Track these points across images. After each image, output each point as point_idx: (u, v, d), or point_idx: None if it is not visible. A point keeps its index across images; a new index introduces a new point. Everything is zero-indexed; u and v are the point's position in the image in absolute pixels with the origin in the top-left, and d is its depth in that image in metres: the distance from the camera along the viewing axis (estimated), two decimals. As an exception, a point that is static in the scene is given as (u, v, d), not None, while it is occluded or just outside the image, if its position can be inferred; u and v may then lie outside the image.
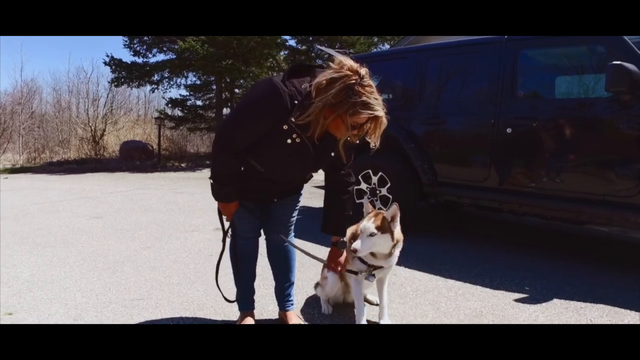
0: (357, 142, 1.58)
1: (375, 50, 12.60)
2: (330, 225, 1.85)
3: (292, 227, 1.93)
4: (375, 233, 1.76)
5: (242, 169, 1.64)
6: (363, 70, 1.43)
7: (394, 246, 1.84)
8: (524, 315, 2.15)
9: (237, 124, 1.55)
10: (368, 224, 1.78)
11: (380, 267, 1.90)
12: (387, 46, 12.78)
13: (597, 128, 2.81)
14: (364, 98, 1.40)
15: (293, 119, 1.47)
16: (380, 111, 1.44)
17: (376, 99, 1.43)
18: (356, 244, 1.76)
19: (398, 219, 1.82)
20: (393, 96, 3.98)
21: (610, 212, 2.71)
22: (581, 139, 2.87)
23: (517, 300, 2.32)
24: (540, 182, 3.01)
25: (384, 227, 1.78)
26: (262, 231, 1.93)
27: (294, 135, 1.52)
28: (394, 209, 1.80)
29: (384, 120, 1.47)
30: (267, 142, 1.55)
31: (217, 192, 1.68)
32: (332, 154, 1.63)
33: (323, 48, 5.28)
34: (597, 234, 3.80)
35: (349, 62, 1.43)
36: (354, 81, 1.39)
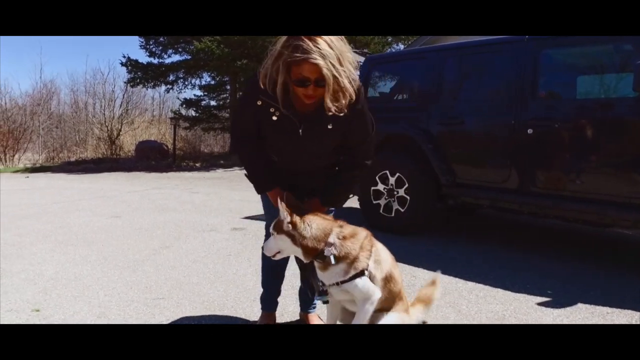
0: (333, 110, 1.47)
1: (389, 50, 12.54)
2: (324, 194, 1.72)
3: None
4: (272, 233, 1.57)
5: (268, 167, 1.69)
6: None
7: (311, 253, 1.51)
8: (549, 319, 2.11)
9: (237, 113, 1.70)
10: (273, 222, 1.59)
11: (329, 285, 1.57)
12: (401, 46, 12.71)
13: (622, 128, 2.75)
14: (300, 42, 1.35)
15: (264, 88, 1.49)
16: (314, 56, 1.34)
17: (317, 46, 1.34)
18: (264, 242, 1.64)
19: (286, 216, 1.50)
20: (411, 96, 3.96)
21: (636, 214, 2.65)
22: (605, 139, 2.81)
23: (540, 304, 2.28)
24: (563, 183, 2.96)
25: (279, 227, 1.54)
26: None
27: (272, 110, 1.54)
28: (281, 205, 1.51)
29: (326, 72, 1.36)
30: (263, 127, 1.62)
31: (256, 185, 1.73)
32: (330, 127, 1.55)
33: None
34: (621, 237, 3.72)
35: None
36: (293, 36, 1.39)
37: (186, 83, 14.42)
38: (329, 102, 1.44)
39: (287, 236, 1.52)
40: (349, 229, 1.57)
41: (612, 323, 2.08)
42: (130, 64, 12.88)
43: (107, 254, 3.18)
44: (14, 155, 14.31)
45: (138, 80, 13.40)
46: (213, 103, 14.73)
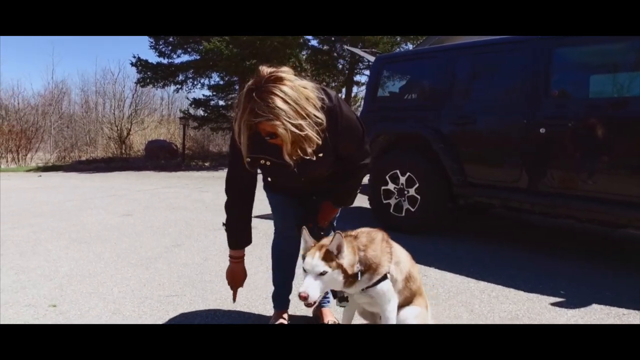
0: (307, 157, 1.46)
1: (398, 49, 12.51)
2: (335, 196, 1.80)
3: (334, 223, 1.94)
4: (326, 271, 1.41)
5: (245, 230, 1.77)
6: (275, 74, 1.36)
7: (348, 281, 1.47)
8: (562, 319, 2.10)
9: (228, 165, 1.72)
10: (314, 260, 1.42)
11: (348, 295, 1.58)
12: (410, 46, 12.67)
13: (637, 127, 2.72)
14: (253, 104, 1.33)
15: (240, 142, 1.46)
16: (269, 116, 1.32)
17: (269, 105, 1.32)
18: (304, 288, 1.39)
19: (344, 249, 1.46)
20: (422, 96, 3.95)
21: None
22: (621, 139, 2.78)
23: (553, 304, 2.27)
24: (576, 183, 2.94)
25: (331, 262, 1.42)
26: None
27: (262, 161, 1.59)
28: (338, 238, 1.43)
29: (281, 131, 1.34)
30: (259, 167, 1.64)
31: (228, 240, 1.77)
32: (321, 155, 1.54)
33: (351, 48, 5.29)
34: (629, 238, 3.68)
35: (264, 69, 1.39)
36: (253, 87, 1.36)
37: (195, 83, 14.51)
38: (287, 156, 1.42)
39: (339, 269, 1.43)
40: (364, 236, 1.56)
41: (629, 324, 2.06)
42: (140, 64, 13.00)
43: (120, 252, 3.21)
44: (26, 155, 14.52)
45: (148, 80, 13.52)
46: (221, 103, 14.80)
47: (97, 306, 2.22)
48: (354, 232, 1.58)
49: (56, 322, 2.04)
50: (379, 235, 1.58)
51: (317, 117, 1.40)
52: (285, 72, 1.38)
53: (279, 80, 1.35)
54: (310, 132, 1.38)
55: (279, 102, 1.32)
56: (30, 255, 3.08)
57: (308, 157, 1.46)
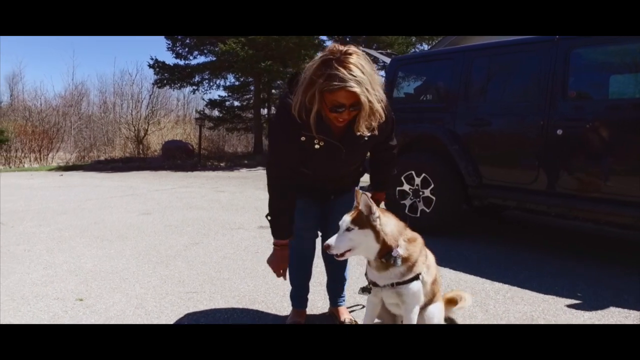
0: (367, 133, 1.55)
1: (413, 50, 12.47)
2: (375, 184, 2.00)
3: None
4: (351, 228, 1.49)
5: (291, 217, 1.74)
6: (350, 49, 1.42)
7: (384, 252, 1.51)
8: (579, 321, 2.10)
9: (273, 153, 1.69)
10: (345, 217, 1.52)
11: (377, 286, 1.61)
12: (425, 46, 12.62)
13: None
14: (334, 71, 1.38)
15: (298, 119, 1.51)
16: (351, 84, 1.38)
17: (351, 73, 1.38)
18: (330, 240, 1.51)
19: (376, 210, 1.50)
20: (437, 97, 3.96)
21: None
22: (637, 139, 2.75)
23: (569, 306, 2.26)
24: (593, 185, 2.92)
25: (361, 221, 1.49)
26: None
27: (316, 141, 1.59)
28: (364, 198, 1.49)
29: (363, 99, 1.41)
30: (303, 152, 1.65)
31: (273, 231, 1.74)
32: (366, 138, 1.61)
33: (366, 50, 5.31)
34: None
35: (336, 45, 1.45)
36: (331, 57, 1.41)
37: (211, 84, 14.72)
38: (362, 126, 1.50)
39: (372, 231, 1.49)
40: (410, 232, 1.63)
41: (645, 327, 2.05)
42: (158, 66, 13.24)
43: (141, 249, 3.31)
44: (47, 155, 14.92)
45: (165, 82, 13.77)
46: (237, 103, 14.99)
47: (120, 301, 2.30)
48: (405, 225, 1.66)
49: (83, 314, 2.13)
50: (420, 238, 1.66)
51: (382, 94, 1.49)
52: (356, 49, 1.45)
53: (355, 53, 1.42)
54: (379, 107, 1.48)
55: (359, 72, 1.39)
56: (57, 252, 3.20)
57: (360, 135, 1.55)
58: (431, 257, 1.73)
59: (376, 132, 1.59)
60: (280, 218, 1.72)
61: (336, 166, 1.72)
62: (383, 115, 1.53)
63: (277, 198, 1.70)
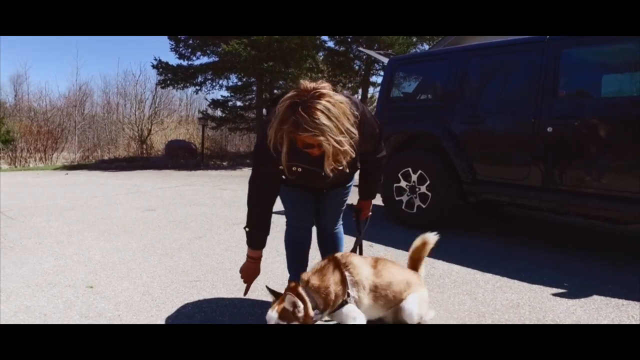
0: (331, 169, 1.56)
1: (414, 50, 12.57)
2: (362, 192, 2.10)
3: (341, 215, 2.10)
4: (279, 323, 1.62)
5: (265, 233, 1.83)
6: (318, 90, 1.41)
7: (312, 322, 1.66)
8: (561, 308, 2.21)
9: (255, 171, 1.77)
10: (272, 313, 1.64)
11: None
12: (426, 46, 12.72)
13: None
14: (298, 117, 1.39)
15: (273, 152, 1.53)
16: (314, 132, 1.39)
17: (315, 121, 1.38)
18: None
19: (301, 305, 1.62)
20: (434, 96, 4.08)
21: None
22: (624, 137, 2.86)
23: (555, 295, 2.38)
24: (581, 180, 3.03)
25: (287, 316, 1.61)
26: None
27: (294, 168, 1.66)
28: (289, 298, 1.62)
29: (326, 146, 1.42)
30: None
31: (248, 241, 1.83)
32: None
33: (364, 50, 5.42)
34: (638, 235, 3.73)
35: (307, 84, 1.45)
36: (297, 101, 1.41)
37: (214, 84, 14.82)
38: (327, 168, 1.53)
39: (296, 320, 1.62)
40: (316, 277, 1.70)
41: (626, 314, 2.15)
42: (161, 66, 13.37)
43: (146, 243, 3.44)
44: (52, 154, 15.10)
45: (168, 82, 13.88)
46: (239, 104, 15.10)
47: (128, 288, 2.43)
48: (305, 276, 1.73)
49: (94, 300, 2.26)
50: (329, 268, 1.73)
51: (352, 133, 1.49)
52: (327, 88, 1.45)
53: (323, 96, 1.41)
54: (348, 147, 1.48)
55: (323, 119, 1.39)
56: (66, 245, 3.33)
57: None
58: (360, 269, 1.76)
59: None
60: (258, 230, 1.81)
61: (321, 181, 1.74)
62: (353, 154, 1.53)
63: (257, 213, 1.78)
